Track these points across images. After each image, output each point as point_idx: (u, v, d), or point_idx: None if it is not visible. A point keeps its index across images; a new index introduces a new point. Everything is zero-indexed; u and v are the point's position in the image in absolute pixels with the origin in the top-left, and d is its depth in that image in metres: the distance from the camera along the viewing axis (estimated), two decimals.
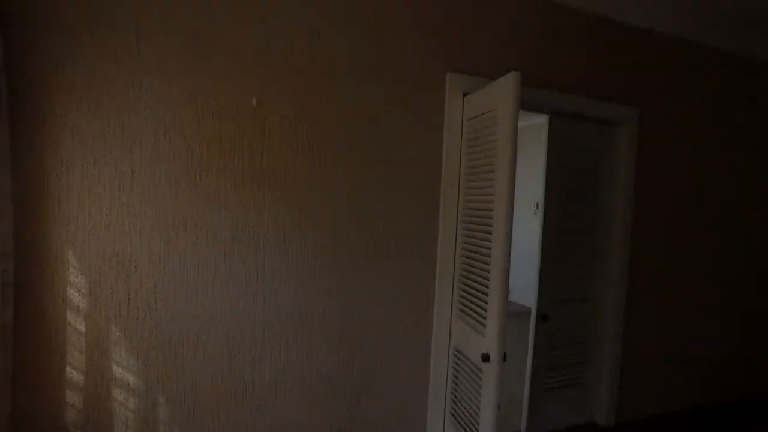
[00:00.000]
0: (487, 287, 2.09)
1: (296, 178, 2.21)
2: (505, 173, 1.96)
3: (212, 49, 2.04)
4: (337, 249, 2.32)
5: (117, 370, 1.99)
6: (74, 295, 1.91)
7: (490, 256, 2.08)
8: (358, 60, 2.30)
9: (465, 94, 2.49)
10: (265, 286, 2.19)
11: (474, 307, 2.26)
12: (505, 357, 2.02)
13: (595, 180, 3.10)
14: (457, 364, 2.47)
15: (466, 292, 2.37)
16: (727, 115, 3.58)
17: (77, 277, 1.91)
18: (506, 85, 2.02)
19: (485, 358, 2.03)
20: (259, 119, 2.13)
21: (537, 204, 3.23)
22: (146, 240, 1.99)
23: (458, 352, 2.46)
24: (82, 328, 1.93)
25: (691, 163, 3.42)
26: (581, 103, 2.89)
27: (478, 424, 2.17)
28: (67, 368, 1.92)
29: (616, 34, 3.02)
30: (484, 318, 2.11)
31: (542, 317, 2.92)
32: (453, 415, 2.50)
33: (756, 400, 3.76)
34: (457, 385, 2.48)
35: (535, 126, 4.70)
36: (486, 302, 2.10)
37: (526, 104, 2.66)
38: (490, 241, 2.09)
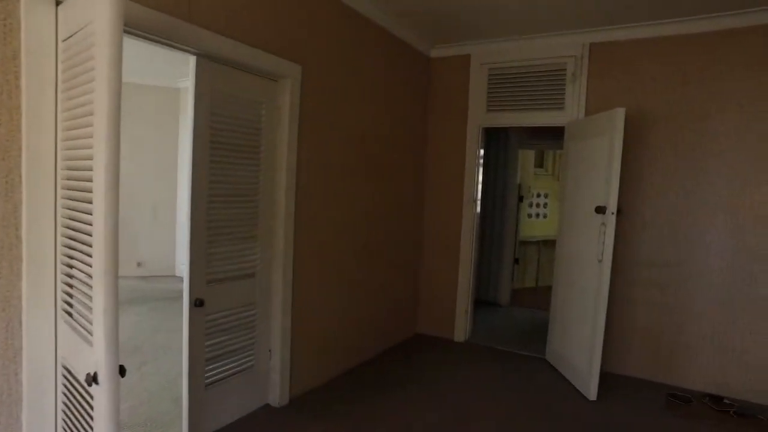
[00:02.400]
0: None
1: None
2: (105, 113, 1.35)
3: None
4: None
5: None
6: None
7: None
8: None
9: (58, 3, 1.72)
10: None
11: (80, 308, 1.60)
12: (123, 371, 1.45)
13: (256, 138, 2.75)
14: (68, 389, 1.76)
15: (71, 286, 1.68)
16: (384, 87, 3.83)
17: None
18: None
19: (91, 379, 1.42)
20: None
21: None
22: None
23: (68, 371, 1.75)
24: None
25: (349, 128, 3.47)
26: (238, 49, 2.48)
27: None
28: None
29: None
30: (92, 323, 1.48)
31: (197, 302, 2.42)
32: None
33: (394, 348, 4.35)
34: (70, 418, 1.77)
35: None
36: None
37: (156, 33, 2.07)
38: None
